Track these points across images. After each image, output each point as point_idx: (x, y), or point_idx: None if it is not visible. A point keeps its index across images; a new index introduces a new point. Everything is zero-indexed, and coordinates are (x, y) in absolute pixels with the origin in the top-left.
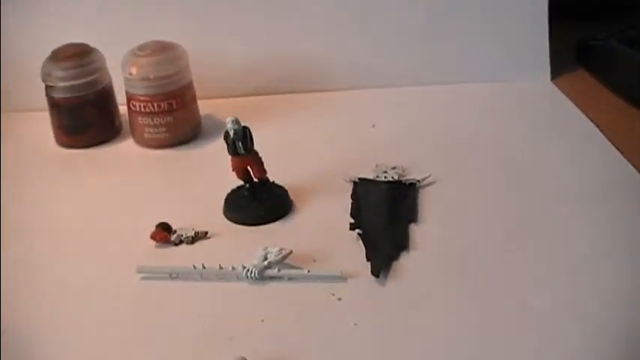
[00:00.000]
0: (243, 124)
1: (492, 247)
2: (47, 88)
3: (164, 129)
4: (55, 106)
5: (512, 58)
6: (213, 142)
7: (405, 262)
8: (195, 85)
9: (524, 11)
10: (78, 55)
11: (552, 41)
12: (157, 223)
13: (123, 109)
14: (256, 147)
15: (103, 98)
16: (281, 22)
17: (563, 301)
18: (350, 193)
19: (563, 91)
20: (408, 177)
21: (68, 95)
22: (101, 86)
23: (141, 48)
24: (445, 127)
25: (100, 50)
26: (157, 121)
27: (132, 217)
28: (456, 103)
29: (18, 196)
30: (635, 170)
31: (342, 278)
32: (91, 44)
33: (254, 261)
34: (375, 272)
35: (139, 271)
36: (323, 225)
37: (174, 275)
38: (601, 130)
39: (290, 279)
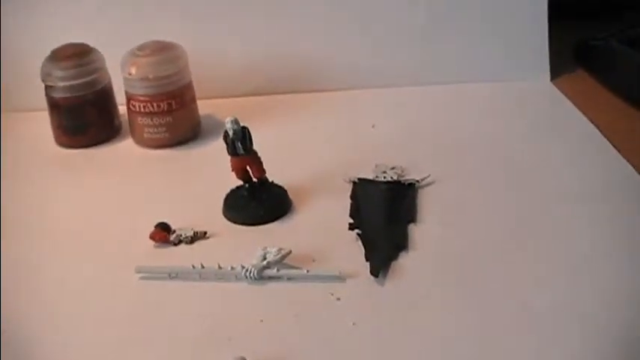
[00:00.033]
0: (242, 124)
1: (492, 247)
2: (47, 88)
3: (163, 129)
4: (54, 106)
5: (512, 59)
6: (212, 142)
7: (404, 262)
8: (195, 85)
9: (523, 11)
10: (77, 55)
11: (552, 41)
12: (156, 223)
13: (122, 109)
14: (256, 147)
15: (103, 98)
16: (280, 22)
17: (563, 301)
18: (349, 193)
19: (563, 92)
20: (407, 177)
21: (68, 95)
22: (101, 86)
23: (140, 48)
24: (444, 127)
25: (100, 50)
26: (156, 121)
27: (131, 217)
28: (455, 103)
29: (17, 196)
30: (634, 170)
31: (341, 278)
32: (91, 44)
33: (253, 261)
34: (374, 272)
35: (138, 271)
36: (322, 225)
37: (173, 275)
38: (600, 131)
39: (289, 279)
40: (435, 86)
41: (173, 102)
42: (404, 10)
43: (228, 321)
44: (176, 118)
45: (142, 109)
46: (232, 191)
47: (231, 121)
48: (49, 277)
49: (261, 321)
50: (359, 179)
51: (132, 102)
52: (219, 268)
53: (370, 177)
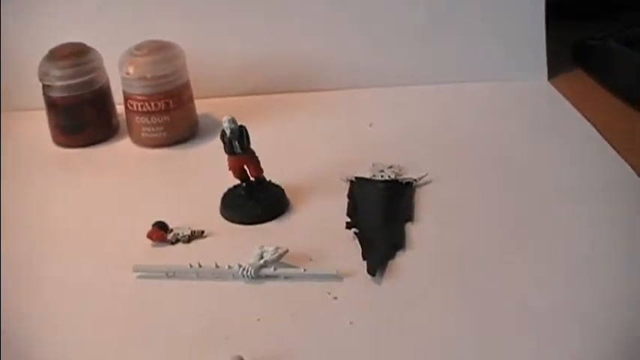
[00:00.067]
0: (239, 123)
1: (490, 246)
2: (44, 87)
3: (161, 128)
4: (52, 105)
5: (510, 58)
6: (210, 142)
7: (401, 261)
8: (193, 85)
9: (521, 11)
10: (75, 55)
11: (550, 41)
12: (153, 222)
13: (120, 108)
14: (253, 146)
15: (101, 98)
16: (279, 21)
17: (563, 301)
18: (346, 192)
19: (561, 91)
20: (405, 176)
21: (65, 94)
22: (98, 86)
23: (138, 47)
24: (443, 126)
25: (98, 50)
26: (154, 120)
27: (129, 216)
28: (453, 102)
29: (15, 196)
30: (632, 170)
31: (338, 277)
32: (89, 44)
33: (250, 260)
34: (371, 271)
35: (136, 270)
36: (319, 224)
37: (170, 274)
38: (598, 130)
39: (286, 278)
40: (434, 86)
41: (171, 101)
42: (403, 10)
43: (226, 320)
44: (174, 117)
45: (140, 109)
46: (230, 190)
47: (229, 120)
48: (47, 276)
49: (258, 320)
50: (356, 178)
51: (129, 101)
52: (217, 267)
53: (367, 176)
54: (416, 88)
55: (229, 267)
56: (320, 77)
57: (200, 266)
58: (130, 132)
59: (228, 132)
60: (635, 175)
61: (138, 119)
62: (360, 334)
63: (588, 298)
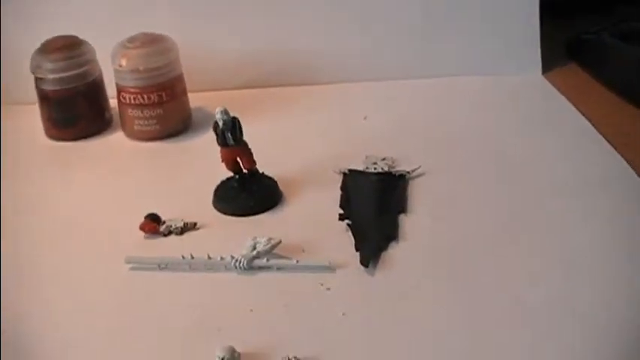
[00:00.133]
0: (232, 114)
1: (484, 239)
2: (37, 80)
3: (154, 121)
4: (44, 98)
5: (504, 52)
6: (203, 135)
7: (394, 252)
8: (186, 78)
9: (515, 5)
10: (67, 47)
11: (543, 35)
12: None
13: (113, 101)
14: (247, 139)
15: (93, 90)
16: (272, 15)
17: (557, 295)
18: (339, 184)
19: (555, 85)
20: (398, 168)
21: (58, 88)
22: (91, 78)
23: (131, 40)
24: (436, 120)
25: (90, 42)
26: (146, 113)
27: (121, 209)
28: (446, 96)
29: (6, 189)
30: (627, 164)
31: (330, 268)
32: (81, 36)
33: (242, 251)
34: (364, 262)
35: (128, 262)
36: (312, 216)
37: (162, 266)
38: (593, 124)
39: (279, 269)
40: (427, 79)
41: (163, 94)
42: (397, 4)
43: (218, 311)
44: (167, 110)
45: (133, 101)
46: (222, 182)
47: (221, 112)
48: (38, 268)
49: (251, 311)
50: (349, 170)
51: (122, 94)
52: (209, 258)
53: (361, 168)
54: (409, 82)
55: (222, 258)
56: (313, 71)
57: (192, 258)
58: (123, 125)
59: (220, 123)
60: (630, 169)
61: (131, 112)
62: (352, 325)
63: (582, 293)
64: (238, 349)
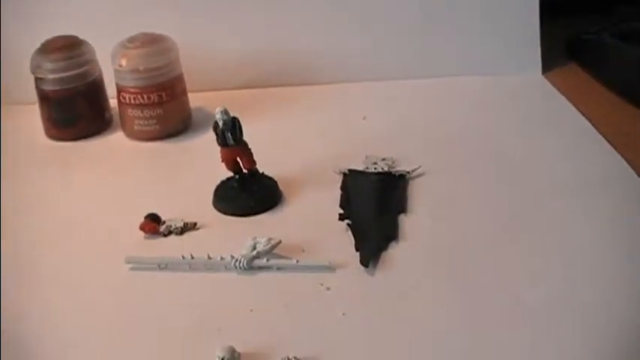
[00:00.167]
0: (232, 114)
1: (484, 239)
2: (37, 80)
3: (154, 121)
4: (44, 98)
5: (504, 52)
6: (203, 135)
7: (394, 252)
8: (186, 78)
9: (515, 4)
10: (68, 47)
11: (543, 35)
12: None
13: (113, 102)
14: (247, 139)
15: (93, 90)
16: (272, 15)
17: (556, 295)
18: (339, 184)
19: (555, 85)
20: (398, 168)
21: (58, 88)
22: (91, 78)
23: (131, 40)
24: (436, 120)
25: (90, 42)
26: (146, 113)
27: (121, 209)
28: (446, 96)
29: (6, 189)
30: (627, 164)
31: (330, 268)
32: (81, 36)
33: (242, 251)
34: (364, 262)
35: (128, 262)
36: (312, 216)
37: (162, 266)
38: (593, 124)
39: (279, 269)
40: (427, 79)
41: (163, 94)
42: (396, 4)
43: (218, 311)
44: (167, 110)
45: (133, 101)
46: (222, 182)
47: (221, 112)
48: (38, 268)
49: (251, 311)
50: (349, 170)
51: (122, 94)
52: (209, 258)
53: (361, 168)
54: (409, 82)
55: (222, 258)
56: (313, 71)
57: (192, 258)
58: (123, 125)
59: (220, 123)
60: (630, 169)
61: (131, 112)
62: (352, 325)
63: (582, 293)
64: (238, 349)
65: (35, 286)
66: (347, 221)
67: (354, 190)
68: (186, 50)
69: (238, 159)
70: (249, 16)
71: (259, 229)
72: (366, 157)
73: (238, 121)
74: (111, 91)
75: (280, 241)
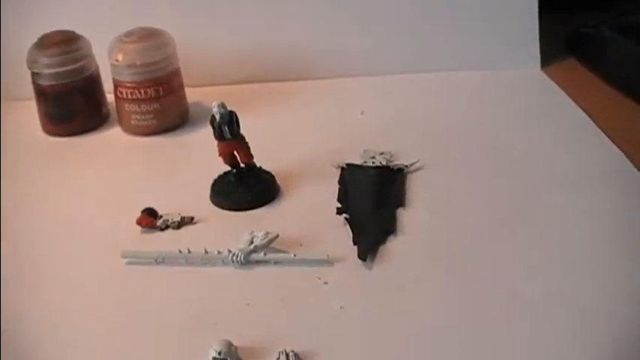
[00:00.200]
0: (229, 108)
1: (482, 233)
2: (33, 75)
3: (151, 116)
4: (41, 93)
5: (502, 46)
6: (200, 130)
7: (392, 246)
8: (184, 73)
9: None
10: (64, 42)
11: (542, 29)
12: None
13: (110, 97)
14: (245, 135)
15: (90, 85)
16: (269, 10)
17: (555, 289)
18: (337, 178)
19: (554, 79)
20: (396, 162)
21: (54, 83)
22: (88, 73)
23: (127, 34)
24: (434, 114)
25: (87, 37)
26: (143, 108)
27: (118, 204)
28: (445, 90)
29: (3, 185)
30: (626, 158)
31: (328, 262)
32: (78, 31)
33: (240, 245)
34: (362, 256)
35: (124, 256)
36: (310, 210)
37: (159, 260)
38: (591, 118)
39: (276, 263)
40: (425, 74)
41: (160, 88)
42: None
43: (215, 305)
44: (164, 104)
45: (130, 96)
46: (220, 177)
47: (218, 105)
48: (34, 263)
49: (248, 305)
50: (347, 164)
51: (119, 89)
52: (206, 252)
53: (358, 162)
54: (407, 76)
55: (219, 252)
56: (310, 66)
57: (189, 252)
58: (120, 120)
59: (217, 117)
60: (629, 163)
61: (128, 107)
62: (350, 319)
63: (580, 287)
64: (235, 343)
65: (33, 282)
66: (345, 215)
67: (352, 184)
68: (184, 45)
69: (235, 153)
70: (246, 10)
71: (257, 223)
72: (364, 151)
73: (235, 115)
74: (108, 86)
75: (278, 235)
